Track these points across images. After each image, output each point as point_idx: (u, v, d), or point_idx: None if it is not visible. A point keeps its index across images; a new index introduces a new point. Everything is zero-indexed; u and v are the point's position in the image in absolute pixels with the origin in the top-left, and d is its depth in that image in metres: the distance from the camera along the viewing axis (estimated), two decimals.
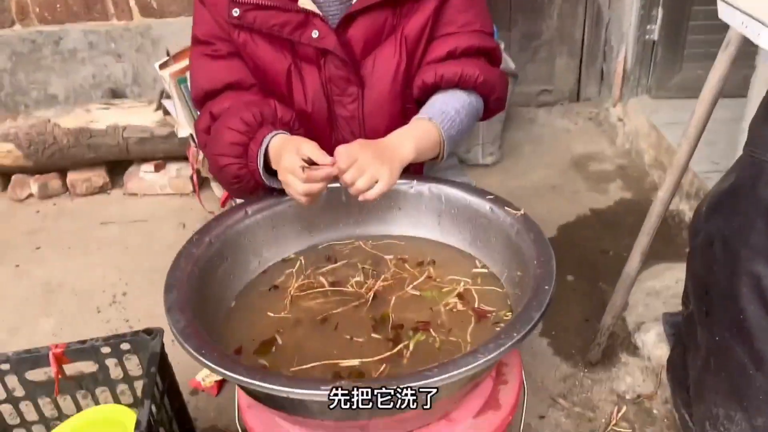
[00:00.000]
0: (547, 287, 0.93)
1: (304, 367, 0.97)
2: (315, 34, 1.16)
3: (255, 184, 1.19)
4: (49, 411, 1.36)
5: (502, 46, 2.51)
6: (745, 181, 1.02)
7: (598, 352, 1.64)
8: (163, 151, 2.51)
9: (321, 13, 1.17)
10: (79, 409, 1.33)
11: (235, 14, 1.16)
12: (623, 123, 2.67)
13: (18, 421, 1.34)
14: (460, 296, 1.10)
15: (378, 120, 1.26)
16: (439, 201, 1.23)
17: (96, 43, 2.66)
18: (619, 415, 1.51)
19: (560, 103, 3.06)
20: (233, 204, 1.24)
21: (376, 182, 1.04)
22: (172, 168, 2.54)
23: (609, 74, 2.83)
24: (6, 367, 1.25)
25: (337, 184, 1.07)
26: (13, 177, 2.57)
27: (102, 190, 2.59)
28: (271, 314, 1.09)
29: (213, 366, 0.83)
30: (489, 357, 0.81)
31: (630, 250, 1.52)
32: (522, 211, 1.11)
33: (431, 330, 1.03)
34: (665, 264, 1.89)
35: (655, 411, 1.52)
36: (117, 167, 2.65)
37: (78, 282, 2.10)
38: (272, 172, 1.15)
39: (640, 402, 1.55)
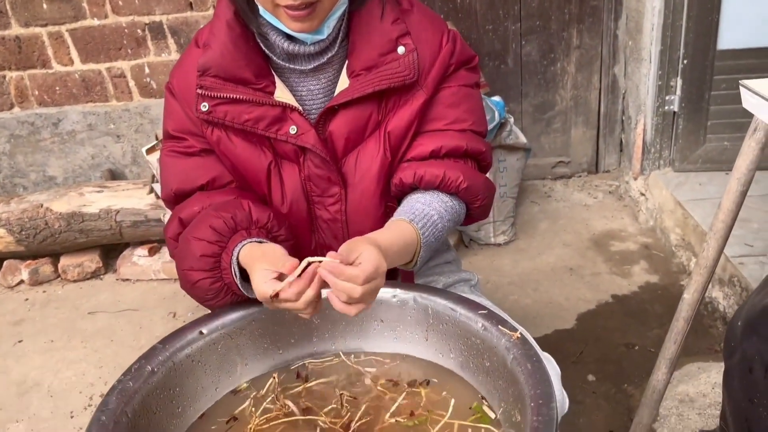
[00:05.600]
0: None
1: None
2: (293, 129, 1.03)
3: (233, 297, 1.04)
4: None
5: (512, 120, 2.39)
6: None
7: None
8: (158, 234, 2.41)
9: (299, 107, 1.04)
10: None
11: (204, 109, 1.03)
12: (645, 198, 2.49)
13: None
14: None
15: (362, 222, 1.11)
16: (426, 313, 1.06)
17: (95, 124, 2.61)
18: None
19: (578, 175, 2.91)
20: None
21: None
22: (166, 252, 2.42)
23: (628, 145, 2.68)
24: None
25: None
26: (5, 263, 2.48)
27: (95, 275, 2.48)
28: None
29: None
30: None
31: (658, 343, 1.34)
32: (518, 333, 0.94)
33: None
34: (698, 364, 1.67)
35: None
36: (113, 251, 2.55)
37: (55, 381, 1.95)
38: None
39: None
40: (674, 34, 2.23)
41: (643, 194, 2.52)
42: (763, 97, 0.81)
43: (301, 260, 0.91)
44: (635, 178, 2.57)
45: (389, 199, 1.12)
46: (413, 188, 1.07)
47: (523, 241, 2.47)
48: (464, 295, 1.15)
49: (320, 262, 0.88)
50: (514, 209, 2.50)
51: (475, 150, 1.08)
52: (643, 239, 2.39)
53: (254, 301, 1.01)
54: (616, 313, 2.01)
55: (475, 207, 1.10)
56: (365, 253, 0.86)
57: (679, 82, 2.29)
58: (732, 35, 2.18)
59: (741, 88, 0.85)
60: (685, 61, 2.25)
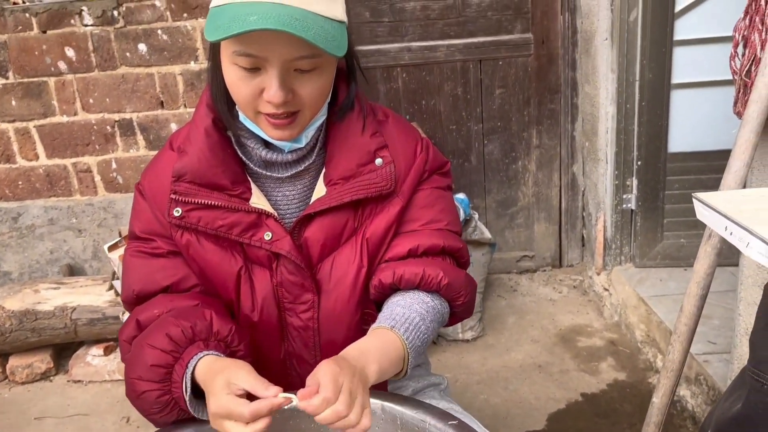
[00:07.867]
0: None
1: None
2: (268, 236, 1.02)
3: (180, 413, 0.96)
4: None
5: (476, 216, 2.44)
6: (754, 413, 0.84)
7: None
8: (116, 332, 2.31)
9: (275, 213, 1.03)
10: None
11: (177, 214, 1.01)
12: (609, 293, 2.53)
13: None
14: None
15: (335, 331, 1.08)
16: (395, 424, 1.02)
17: (56, 219, 2.57)
18: None
19: (542, 270, 2.95)
20: None
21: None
22: None
23: (590, 241, 2.74)
24: None
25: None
26: None
27: (44, 376, 2.35)
28: None
29: None
30: None
31: None
32: None
33: None
34: None
35: None
36: (65, 350, 2.44)
37: None
38: (201, 396, 0.93)
39: None
40: (627, 138, 2.34)
41: (606, 289, 2.56)
42: (715, 210, 0.85)
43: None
44: (598, 274, 2.62)
45: (366, 306, 1.09)
46: (393, 288, 1.05)
47: (491, 336, 2.45)
48: (434, 402, 1.12)
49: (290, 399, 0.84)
50: (481, 304, 2.50)
51: (452, 247, 1.08)
52: (609, 335, 2.40)
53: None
54: (586, 413, 1.98)
55: (459, 304, 1.08)
56: (317, 373, 0.82)
57: (635, 182, 2.39)
58: (681, 140, 2.31)
59: (694, 200, 0.88)
60: (639, 163, 2.36)
